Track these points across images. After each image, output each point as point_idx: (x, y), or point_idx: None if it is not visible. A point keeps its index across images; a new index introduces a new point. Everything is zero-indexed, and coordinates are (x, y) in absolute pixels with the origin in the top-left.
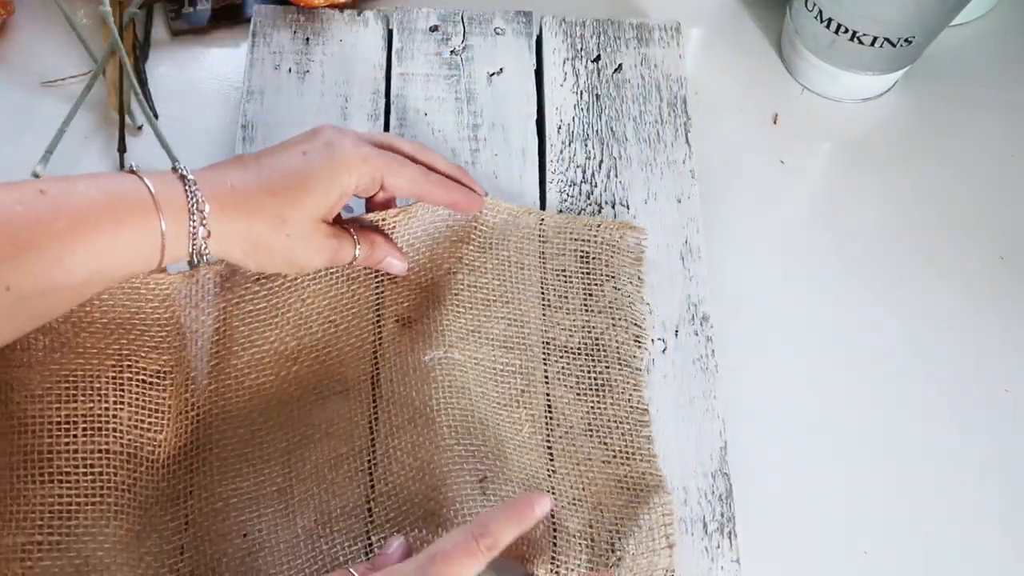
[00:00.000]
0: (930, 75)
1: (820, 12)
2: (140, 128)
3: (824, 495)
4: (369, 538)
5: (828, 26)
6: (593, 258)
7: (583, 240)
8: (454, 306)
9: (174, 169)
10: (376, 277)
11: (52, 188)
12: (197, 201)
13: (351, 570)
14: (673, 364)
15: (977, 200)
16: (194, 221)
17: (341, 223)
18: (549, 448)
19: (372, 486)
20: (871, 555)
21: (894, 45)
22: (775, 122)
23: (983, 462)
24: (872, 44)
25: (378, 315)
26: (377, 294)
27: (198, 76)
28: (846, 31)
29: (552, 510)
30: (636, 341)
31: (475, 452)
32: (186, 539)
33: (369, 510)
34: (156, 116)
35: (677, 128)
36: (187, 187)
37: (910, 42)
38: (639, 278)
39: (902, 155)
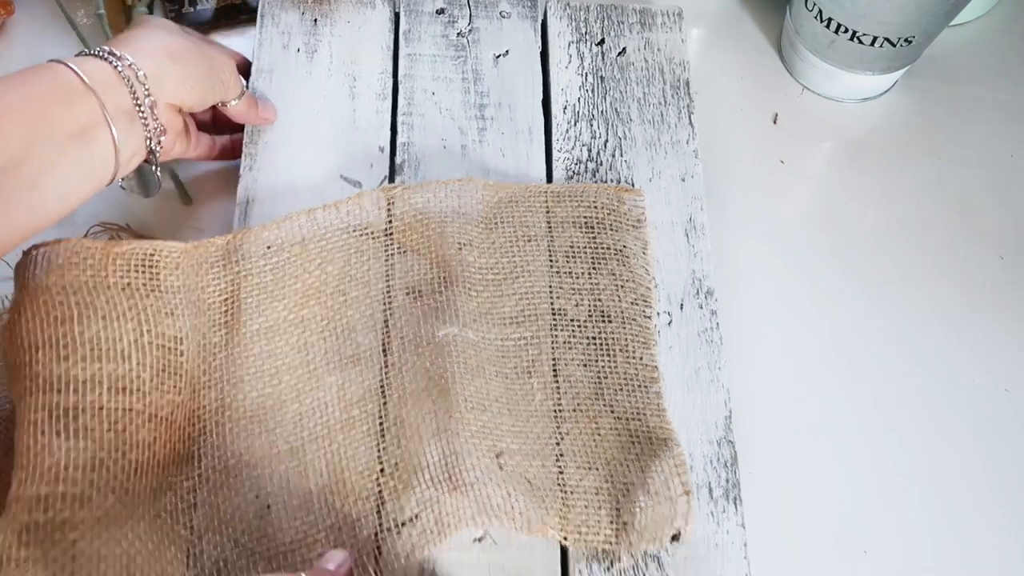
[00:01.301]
0: (930, 75)
1: (820, 12)
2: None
3: (823, 495)
4: (381, 497)
5: (828, 26)
6: (598, 224)
7: (586, 206)
8: (465, 288)
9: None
10: (386, 250)
11: None
12: (126, 58)
13: None
14: (679, 337)
15: (977, 200)
16: (124, 71)
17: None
18: (558, 413)
19: (384, 448)
20: (870, 545)
21: (894, 45)
22: (775, 122)
23: (983, 462)
24: (872, 44)
25: (388, 285)
26: (387, 266)
27: None
28: (846, 31)
29: (561, 474)
30: (644, 301)
31: (492, 429)
32: (200, 497)
33: (381, 470)
34: None
35: (680, 109)
36: (107, 58)
37: (910, 42)
38: (644, 242)
39: (902, 155)
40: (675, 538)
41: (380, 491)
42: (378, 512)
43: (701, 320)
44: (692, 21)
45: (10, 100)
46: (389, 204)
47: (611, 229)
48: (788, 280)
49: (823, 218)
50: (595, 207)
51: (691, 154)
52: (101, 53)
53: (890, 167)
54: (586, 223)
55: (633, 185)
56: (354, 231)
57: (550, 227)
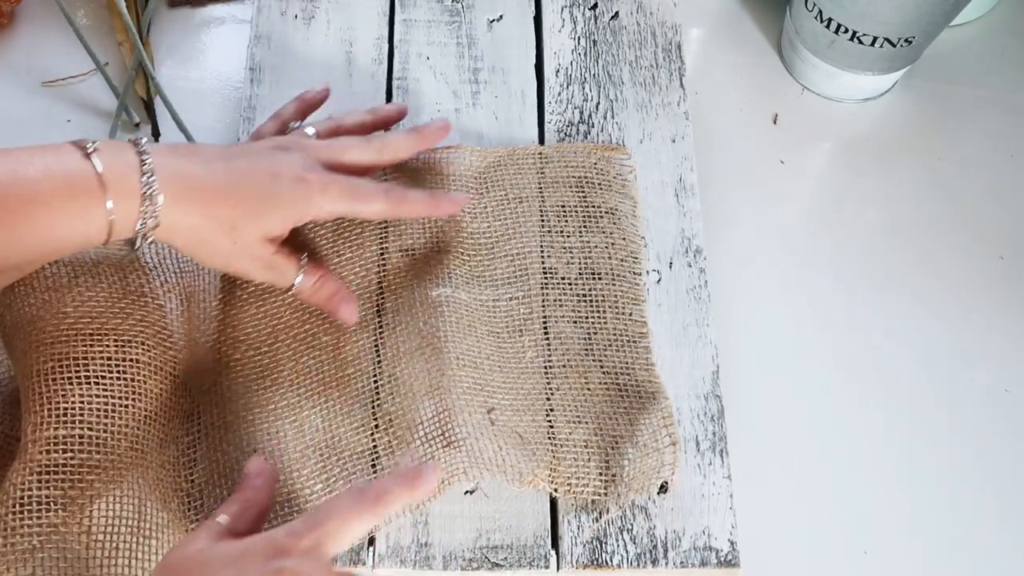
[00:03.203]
0: (930, 75)
1: (820, 12)
2: (137, 125)
3: (819, 497)
4: (376, 452)
5: (828, 26)
6: (587, 184)
7: (575, 166)
8: (459, 253)
9: (135, 144)
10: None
11: (2, 168)
12: (152, 191)
13: (218, 520)
14: (667, 294)
15: (977, 200)
16: (145, 210)
17: (294, 246)
18: (548, 369)
19: (379, 405)
20: (870, 545)
21: (894, 45)
22: (775, 122)
23: (983, 462)
24: (872, 44)
25: (382, 248)
26: (381, 228)
27: (199, 44)
28: (846, 31)
29: (551, 428)
30: (633, 259)
31: (483, 385)
32: (200, 452)
33: (376, 426)
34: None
35: (672, 72)
36: (143, 173)
37: (910, 42)
38: (633, 200)
39: (902, 155)
40: (663, 489)
41: (375, 446)
42: (373, 467)
43: (690, 278)
44: (692, 21)
45: (32, 210)
46: (384, 171)
47: (600, 188)
48: (787, 280)
49: (823, 218)
50: (584, 167)
51: (682, 116)
52: (151, 219)
53: (890, 167)
54: (576, 183)
55: (624, 147)
56: None
57: (541, 188)
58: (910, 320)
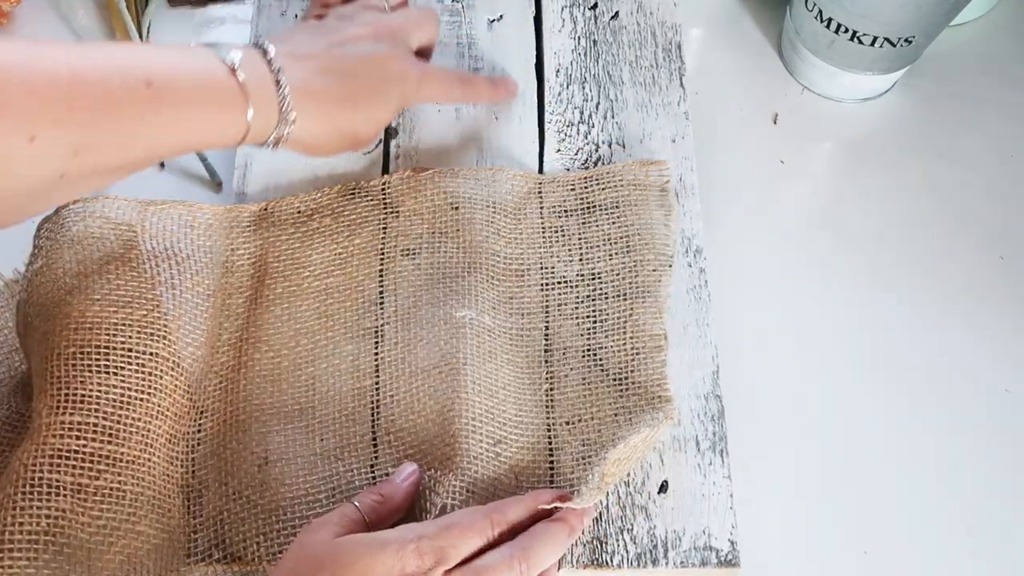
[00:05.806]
0: (930, 75)
1: (820, 12)
2: None
3: (819, 498)
4: (376, 465)
5: (828, 26)
6: (625, 203)
7: (613, 187)
8: (488, 276)
9: (262, 53)
10: (415, 229)
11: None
12: (287, 107)
13: (355, 503)
14: (668, 294)
15: (977, 200)
16: (280, 125)
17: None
18: (554, 397)
19: (392, 420)
20: (870, 545)
21: (894, 45)
22: (775, 122)
23: (983, 462)
24: (872, 44)
25: (415, 264)
26: (416, 244)
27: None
28: (846, 31)
29: (551, 470)
30: (665, 268)
31: (495, 415)
32: (208, 448)
33: (389, 442)
34: None
35: (672, 72)
36: (279, 88)
37: (910, 42)
38: (667, 208)
39: (902, 155)
40: (663, 489)
41: (376, 459)
42: (373, 480)
43: (690, 278)
44: (692, 21)
45: (177, 113)
46: (420, 186)
47: (636, 206)
48: (788, 280)
49: (823, 218)
50: (621, 185)
51: (682, 116)
52: (284, 109)
53: (890, 167)
54: (614, 206)
55: (624, 147)
56: (385, 208)
57: (582, 216)
58: (910, 320)
